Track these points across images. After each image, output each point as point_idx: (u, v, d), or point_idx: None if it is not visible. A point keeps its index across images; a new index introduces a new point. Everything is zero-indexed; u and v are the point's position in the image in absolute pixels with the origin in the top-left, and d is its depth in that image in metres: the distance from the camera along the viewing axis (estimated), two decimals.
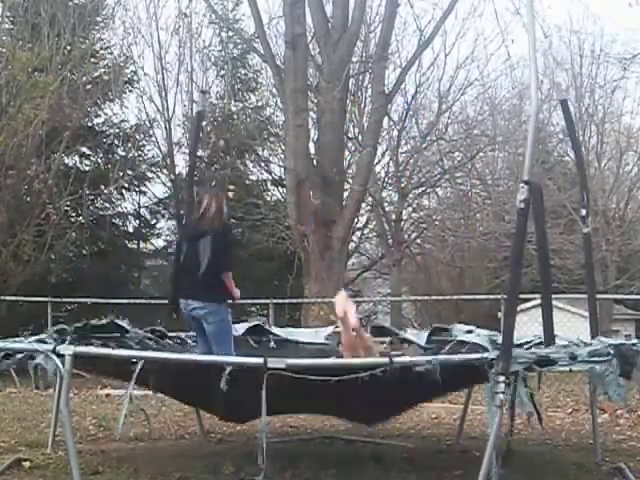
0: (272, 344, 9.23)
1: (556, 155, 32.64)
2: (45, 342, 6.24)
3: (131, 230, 28.15)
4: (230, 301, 7.85)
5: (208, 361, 6.22)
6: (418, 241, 32.13)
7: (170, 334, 9.00)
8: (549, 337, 5.94)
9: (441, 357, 5.62)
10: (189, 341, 8.69)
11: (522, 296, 13.19)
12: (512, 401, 5.33)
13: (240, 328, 9.21)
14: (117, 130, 26.54)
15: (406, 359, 5.80)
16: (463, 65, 28.11)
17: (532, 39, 5.64)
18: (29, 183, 20.57)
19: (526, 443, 8.35)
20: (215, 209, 7.76)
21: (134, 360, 5.89)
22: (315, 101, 19.71)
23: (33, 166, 19.87)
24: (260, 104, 29.52)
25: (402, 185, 29.12)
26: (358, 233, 28.94)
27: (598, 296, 10.95)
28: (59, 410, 6.93)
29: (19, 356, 6.02)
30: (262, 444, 5.49)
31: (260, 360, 5.45)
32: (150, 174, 28.07)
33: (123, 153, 26.28)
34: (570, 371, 5.76)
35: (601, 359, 5.65)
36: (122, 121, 26.82)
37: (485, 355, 5.45)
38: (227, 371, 5.70)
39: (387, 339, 8.69)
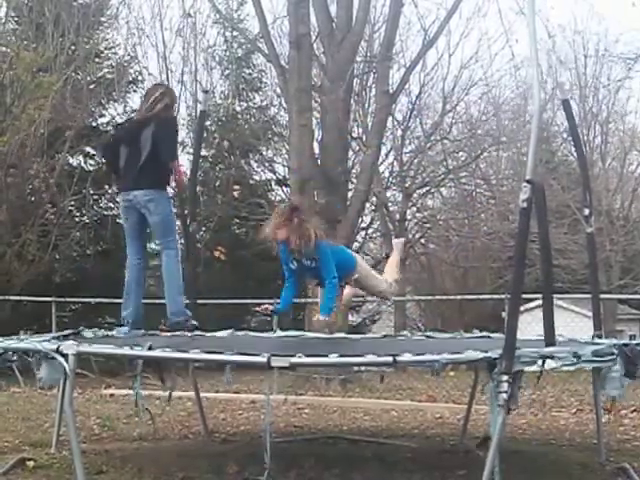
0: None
1: (560, 155, 32.65)
2: (48, 341, 6.24)
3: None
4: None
5: (209, 359, 6.20)
6: (422, 241, 32.18)
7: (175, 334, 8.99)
8: (550, 337, 5.93)
9: (445, 356, 5.60)
10: (190, 336, 8.67)
11: (526, 296, 13.23)
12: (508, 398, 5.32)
13: None
14: None
15: (410, 358, 5.78)
16: (467, 65, 28.18)
17: (533, 39, 5.63)
18: (33, 183, 20.61)
19: (530, 443, 8.34)
20: (164, 104, 7.40)
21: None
22: (319, 101, 19.68)
23: (36, 165, 19.91)
24: (264, 104, 29.56)
25: (406, 185, 29.15)
26: (362, 233, 28.94)
27: (602, 296, 10.96)
28: (63, 410, 6.94)
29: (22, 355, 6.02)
30: (266, 444, 5.49)
31: (264, 358, 5.44)
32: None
33: None
34: (574, 370, 5.76)
35: (605, 358, 5.64)
36: (126, 121, 26.83)
37: (488, 354, 5.44)
38: (228, 369, 5.72)
39: None
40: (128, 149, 7.39)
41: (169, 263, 7.51)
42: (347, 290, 8.05)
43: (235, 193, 24.14)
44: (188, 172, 10.20)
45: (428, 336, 8.92)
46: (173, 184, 7.82)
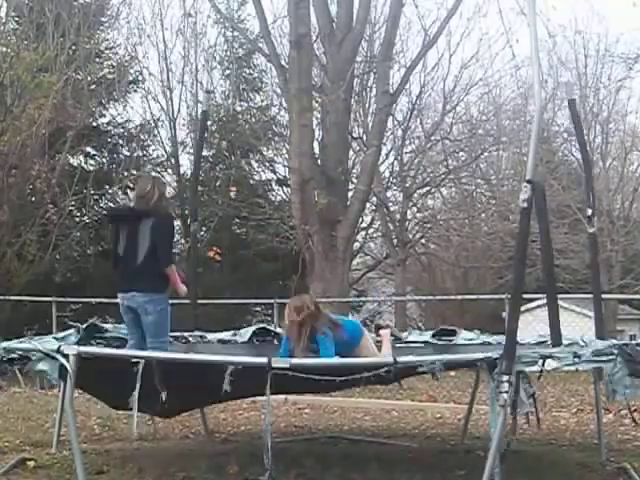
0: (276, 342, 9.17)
1: (560, 155, 32.62)
2: (49, 342, 6.25)
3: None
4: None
5: (211, 361, 6.21)
6: (422, 241, 32.15)
7: (175, 334, 9.00)
8: (556, 337, 5.93)
9: (445, 357, 5.61)
10: (191, 339, 8.68)
11: (527, 296, 13.28)
12: (514, 401, 5.32)
13: (244, 334, 9.13)
14: (122, 130, 26.58)
15: (410, 359, 5.79)
16: (468, 65, 28.09)
17: (534, 39, 5.63)
18: (33, 183, 20.61)
19: (531, 443, 8.34)
20: (157, 196, 7.40)
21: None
22: (320, 101, 19.70)
23: (37, 166, 19.90)
24: (265, 104, 29.54)
25: (406, 185, 29.13)
26: (362, 233, 28.93)
27: (603, 296, 10.95)
28: (64, 410, 6.94)
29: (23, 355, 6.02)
30: (267, 444, 5.49)
31: (264, 360, 5.45)
32: (155, 174, 28.07)
33: (128, 153, 26.32)
34: (576, 370, 5.76)
35: (605, 358, 5.64)
36: (127, 121, 26.85)
37: (489, 354, 5.45)
38: (229, 371, 5.71)
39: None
40: (126, 241, 7.40)
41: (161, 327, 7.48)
42: None
43: (232, 194, 24.12)
44: (189, 172, 10.13)
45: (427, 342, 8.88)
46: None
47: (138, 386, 5.69)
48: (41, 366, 5.92)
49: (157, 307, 7.25)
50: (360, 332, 7.34)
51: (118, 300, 7.51)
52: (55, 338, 7.14)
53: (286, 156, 26.02)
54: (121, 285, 7.48)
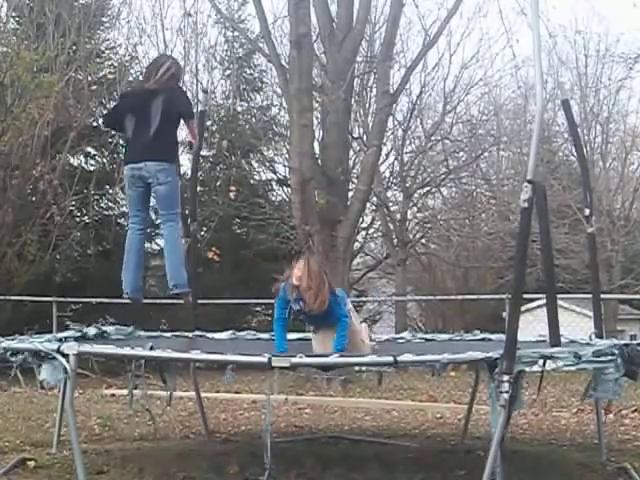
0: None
1: (561, 155, 32.66)
2: (49, 342, 6.24)
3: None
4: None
5: (210, 359, 6.20)
6: (423, 241, 32.21)
7: (176, 333, 9.01)
8: (555, 337, 5.93)
9: (445, 357, 5.60)
10: (191, 336, 8.68)
11: (527, 296, 13.27)
12: (511, 399, 5.32)
13: None
14: None
15: (411, 357, 5.79)
16: (468, 65, 28.21)
17: (537, 39, 5.63)
18: (34, 183, 20.61)
19: (531, 443, 8.34)
20: (171, 74, 7.43)
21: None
22: (320, 101, 19.69)
23: (38, 166, 19.90)
24: (265, 104, 29.56)
25: (407, 185, 29.18)
26: (363, 233, 28.96)
27: (603, 296, 10.95)
28: (64, 410, 6.94)
29: (23, 356, 6.02)
30: (267, 444, 5.49)
31: (265, 358, 5.45)
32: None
33: None
34: (577, 370, 5.76)
35: (605, 359, 5.64)
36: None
37: (489, 354, 5.45)
38: (229, 367, 5.72)
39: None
40: (136, 119, 7.35)
41: (171, 235, 7.44)
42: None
43: (232, 194, 24.12)
44: (189, 172, 10.18)
45: (428, 339, 8.89)
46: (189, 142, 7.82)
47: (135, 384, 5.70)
48: (43, 374, 5.92)
49: (169, 177, 7.28)
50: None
51: (125, 172, 7.55)
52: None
53: (286, 156, 26.03)
54: (131, 156, 7.50)
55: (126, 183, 7.62)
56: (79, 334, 7.54)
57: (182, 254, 7.66)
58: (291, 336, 8.80)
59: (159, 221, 7.39)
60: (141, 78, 8.01)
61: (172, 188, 7.35)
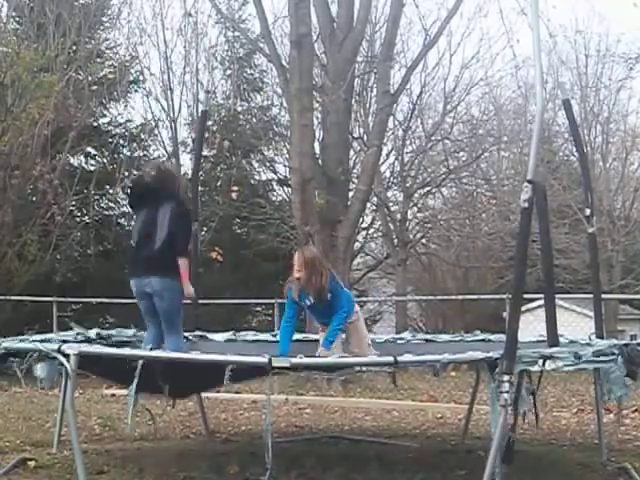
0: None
1: (561, 155, 32.64)
2: (50, 342, 6.25)
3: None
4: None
5: (210, 360, 6.21)
6: (423, 241, 32.18)
7: None
8: (553, 337, 5.94)
9: (445, 357, 5.61)
10: (191, 338, 8.68)
11: (527, 296, 13.26)
12: (515, 399, 5.33)
13: None
14: (123, 130, 26.57)
15: (411, 358, 5.79)
16: (468, 65, 28.14)
17: (537, 39, 5.63)
18: (34, 183, 20.61)
19: (531, 443, 8.34)
20: (175, 180, 7.59)
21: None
22: (320, 101, 19.68)
23: (37, 166, 19.90)
24: (265, 104, 29.56)
25: (407, 185, 29.16)
26: (363, 233, 28.93)
27: (603, 296, 10.95)
28: (64, 410, 6.94)
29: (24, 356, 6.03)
30: (267, 444, 5.49)
31: (265, 359, 5.45)
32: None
33: (129, 153, 26.31)
34: (577, 370, 5.76)
35: (606, 359, 5.65)
36: (127, 121, 26.84)
37: (489, 354, 5.45)
38: (229, 368, 5.72)
39: None
40: (143, 224, 7.49)
41: (171, 348, 7.50)
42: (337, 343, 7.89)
43: (234, 194, 24.10)
44: (190, 172, 10.12)
45: (428, 340, 8.90)
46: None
47: (136, 382, 5.70)
48: (39, 372, 5.93)
49: (173, 294, 7.37)
50: (352, 307, 7.64)
51: (131, 284, 7.57)
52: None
53: (287, 156, 26.03)
54: (135, 270, 7.56)
55: (135, 296, 7.67)
56: (82, 338, 7.56)
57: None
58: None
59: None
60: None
61: (174, 305, 7.48)
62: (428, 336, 9.15)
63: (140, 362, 5.70)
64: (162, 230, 7.29)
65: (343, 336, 7.66)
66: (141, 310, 7.68)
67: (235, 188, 24.01)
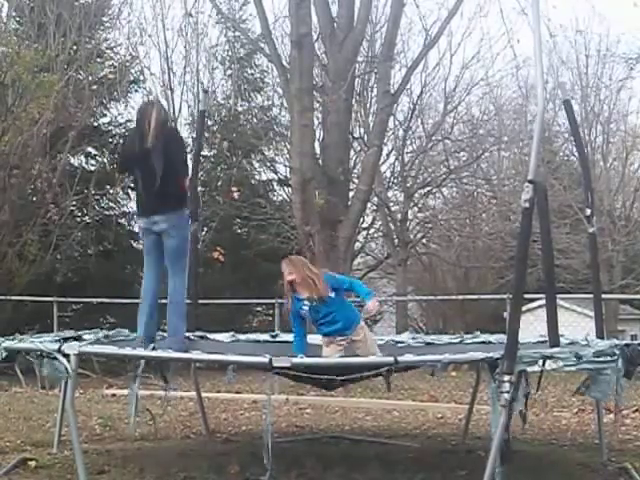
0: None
1: (562, 155, 32.65)
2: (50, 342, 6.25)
3: (137, 230, 28.08)
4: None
5: (211, 359, 6.20)
6: (424, 241, 32.20)
7: None
8: (554, 337, 5.93)
9: (446, 357, 5.61)
10: (192, 337, 8.68)
11: (528, 296, 13.27)
12: (512, 399, 5.32)
13: None
14: (123, 130, 26.53)
15: (412, 358, 5.79)
16: (469, 65, 28.21)
17: (537, 39, 5.63)
18: (34, 183, 20.62)
19: (532, 443, 8.33)
20: (163, 121, 7.37)
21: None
22: (321, 101, 19.71)
23: (37, 165, 19.91)
24: (266, 104, 29.56)
25: (407, 185, 29.18)
26: (364, 233, 28.97)
27: (604, 296, 10.95)
28: (65, 410, 6.94)
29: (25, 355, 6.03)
30: (267, 444, 5.49)
31: (265, 359, 5.45)
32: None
33: None
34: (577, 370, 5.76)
35: (607, 359, 5.64)
36: (128, 121, 26.79)
37: (490, 354, 5.45)
38: (230, 369, 5.73)
39: None
40: (141, 174, 7.38)
41: (176, 289, 7.46)
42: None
43: (235, 194, 24.10)
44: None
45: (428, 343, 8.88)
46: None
47: (136, 383, 5.70)
48: (45, 371, 5.94)
49: (180, 231, 7.34)
50: (357, 320, 7.54)
51: (138, 224, 7.65)
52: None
53: (287, 156, 26.05)
54: (142, 212, 7.56)
55: (140, 233, 7.68)
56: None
57: (184, 309, 7.66)
58: (291, 337, 8.82)
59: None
60: (132, 129, 7.86)
61: (181, 242, 7.41)
62: (428, 339, 9.12)
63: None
64: (159, 169, 7.18)
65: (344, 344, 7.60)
66: (144, 247, 7.63)
67: (234, 189, 24.01)
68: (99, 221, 24.84)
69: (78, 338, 7.20)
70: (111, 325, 19.46)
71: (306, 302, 7.31)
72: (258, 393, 13.35)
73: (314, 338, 8.09)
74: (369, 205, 25.19)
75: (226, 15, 26.42)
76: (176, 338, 7.29)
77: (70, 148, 21.95)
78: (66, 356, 5.69)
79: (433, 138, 28.84)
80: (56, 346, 5.84)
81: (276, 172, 29.45)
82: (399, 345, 8.55)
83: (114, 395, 13.25)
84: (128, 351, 6.23)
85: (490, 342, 8.26)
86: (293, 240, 24.13)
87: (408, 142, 29.49)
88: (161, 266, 7.50)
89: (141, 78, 27.10)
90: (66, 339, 6.85)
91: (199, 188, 18.83)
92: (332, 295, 7.37)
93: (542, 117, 6.22)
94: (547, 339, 6.15)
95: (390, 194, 29.93)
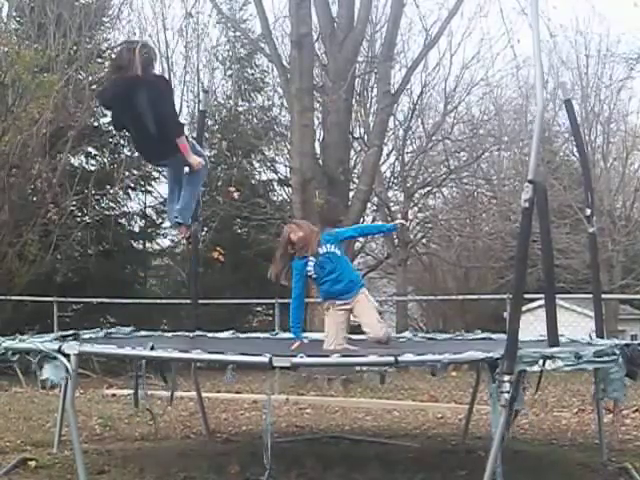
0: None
1: (562, 155, 32.63)
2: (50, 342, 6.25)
3: (137, 230, 28.14)
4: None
5: (211, 359, 6.20)
6: (424, 241, 32.19)
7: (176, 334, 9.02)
8: (553, 337, 5.93)
9: (446, 356, 5.60)
10: (191, 336, 8.69)
11: (528, 296, 13.27)
12: (512, 399, 5.32)
13: None
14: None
15: (412, 358, 5.79)
16: (469, 65, 28.18)
17: (537, 39, 5.63)
18: (34, 183, 20.62)
19: (532, 443, 8.34)
20: (150, 59, 6.81)
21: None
22: (321, 101, 19.69)
23: (37, 165, 19.91)
24: (266, 104, 29.56)
25: (408, 185, 29.16)
26: None
27: (604, 296, 10.95)
28: (65, 410, 6.94)
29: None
30: (267, 444, 5.49)
31: (266, 358, 5.45)
32: (156, 173, 28.02)
33: (129, 153, 26.29)
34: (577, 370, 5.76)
35: (607, 359, 5.64)
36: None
37: (490, 354, 5.45)
38: (230, 368, 5.75)
39: None
40: (132, 122, 6.91)
41: (198, 174, 7.34)
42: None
43: (235, 194, 24.06)
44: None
45: (430, 338, 8.89)
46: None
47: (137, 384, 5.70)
48: (45, 373, 5.93)
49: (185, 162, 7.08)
50: (360, 285, 7.60)
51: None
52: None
53: (287, 156, 26.02)
54: (149, 159, 7.72)
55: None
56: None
57: (198, 192, 7.63)
58: (291, 336, 8.82)
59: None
60: (111, 68, 7.49)
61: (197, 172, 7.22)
62: (428, 335, 9.14)
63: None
64: (148, 117, 6.72)
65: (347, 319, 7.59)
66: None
67: (232, 189, 23.97)
68: (99, 221, 24.83)
69: (78, 337, 7.22)
70: (111, 325, 19.46)
71: (312, 258, 7.38)
72: (258, 393, 13.37)
73: (315, 337, 8.13)
74: (369, 205, 25.18)
75: (226, 15, 26.42)
76: (184, 217, 7.35)
77: (70, 148, 21.95)
78: (66, 356, 5.70)
79: (433, 138, 28.82)
80: (56, 346, 5.84)
81: (276, 172, 29.47)
82: (400, 340, 8.56)
83: (114, 395, 13.25)
84: (128, 351, 6.22)
85: (490, 338, 8.27)
86: None
87: (408, 142, 29.49)
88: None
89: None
90: (65, 337, 6.87)
91: None
92: (337, 252, 7.44)
93: (542, 117, 6.22)
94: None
95: (390, 194, 29.92)
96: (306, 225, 7.61)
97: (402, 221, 7.96)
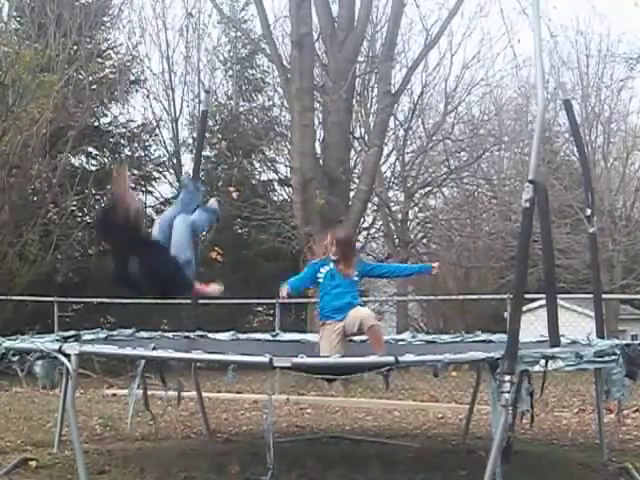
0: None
1: (562, 155, 32.61)
2: (51, 342, 6.25)
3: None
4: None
5: (212, 359, 6.20)
6: (424, 241, 32.18)
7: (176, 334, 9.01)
8: (554, 337, 5.93)
9: (447, 357, 5.60)
10: (192, 336, 8.69)
11: (529, 296, 13.25)
12: (515, 399, 5.32)
13: None
14: (123, 130, 26.59)
15: (412, 358, 5.79)
16: (469, 65, 28.18)
17: (538, 39, 5.63)
18: (35, 183, 20.62)
19: (532, 443, 8.33)
20: (133, 211, 6.42)
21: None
22: (321, 101, 19.70)
23: (38, 165, 19.92)
24: (267, 104, 29.56)
25: (408, 185, 29.16)
26: (364, 233, 28.92)
27: (604, 296, 10.95)
28: (65, 410, 6.94)
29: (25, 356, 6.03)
30: (269, 444, 5.49)
31: (266, 359, 5.45)
32: (156, 174, 28.10)
33: (129, 153, 26.32)
34: (578, 370, 5.76)
35: (607, 359, 5.64)
36: (128, 121, 26.85)
37: (491, 354, 5.44)
38: (230, 369, 5.74)
39: None
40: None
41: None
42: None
43: (234, 194, 24.06)
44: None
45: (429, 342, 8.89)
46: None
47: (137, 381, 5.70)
48: (39, 371, 5.94)
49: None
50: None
51: None
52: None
53: (288, 156, 26.01)
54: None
55: None
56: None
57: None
58: (291, 337, 8.84)
59: None
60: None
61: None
62: (429, 338, 9.13)
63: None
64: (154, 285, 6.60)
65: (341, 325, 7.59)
66: None
67: (232, 189, 23.97)
68: None
69: (79, 339, 7.22)
70: (112, 325, 19.47)
71: (331, 266, 7.63)
72: (259, 393, 13.37)
73: (314, 337, 8.12)
74: (370, 205, 25.16)
75: (226, 15, 26.43)
76: None
77: (70, 148, 21.96)
78: (67, 356, 5.69)
79: (433, 138, 28.82)
80: (57, 346, 5.84)
81: (277, 172, 29.48)
82: (400, 343, 8.56)
83: (114, 395, 13.25)
84: (128, 351, 6.22)
85: (491, 341, 8.26)
86: (294, 240, 24.08)
87: (408, 142, 29.50)
88: None
89: (142, 78, 27.16)
90: (66, 338, 6.87)
91: None
92: (355, 278, 7.67)
93: (542, 117, 6.22)
94: (547, 339, 6.15)
95: (391, 194, 29.92)
96: (354, 243, 7.81)
97: (437, 264, 7.99)
